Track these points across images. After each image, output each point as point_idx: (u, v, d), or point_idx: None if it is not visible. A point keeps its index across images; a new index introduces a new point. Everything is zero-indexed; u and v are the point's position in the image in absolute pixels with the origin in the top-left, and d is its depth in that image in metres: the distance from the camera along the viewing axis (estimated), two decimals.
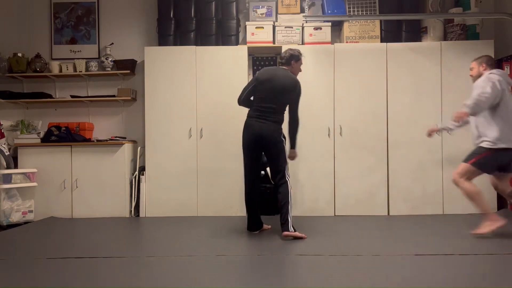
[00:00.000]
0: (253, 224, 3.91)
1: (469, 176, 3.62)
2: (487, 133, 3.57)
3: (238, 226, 4.13)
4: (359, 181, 4.75)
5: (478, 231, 3.62)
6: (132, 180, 4.92)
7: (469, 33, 4.92)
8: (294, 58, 3.88)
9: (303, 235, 3.63)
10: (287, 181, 3.71)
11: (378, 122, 4.77)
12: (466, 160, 3.64)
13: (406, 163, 4.75)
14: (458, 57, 4.75)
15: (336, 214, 4.74)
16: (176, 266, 2.91)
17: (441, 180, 4.73)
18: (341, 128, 4.78)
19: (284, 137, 3.79)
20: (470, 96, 3.56)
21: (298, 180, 4.76)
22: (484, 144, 3.57)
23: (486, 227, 3.60)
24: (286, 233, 3.59)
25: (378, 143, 4.77)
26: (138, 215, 4.87)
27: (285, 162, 3.74)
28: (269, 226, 4.02)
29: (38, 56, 5.10)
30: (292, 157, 3.89)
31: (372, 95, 4.78)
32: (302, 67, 3.94)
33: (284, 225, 3.61)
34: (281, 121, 3.80)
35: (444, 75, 4.77)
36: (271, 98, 3.75)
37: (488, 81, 3.54)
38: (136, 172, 4.95)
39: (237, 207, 4.76)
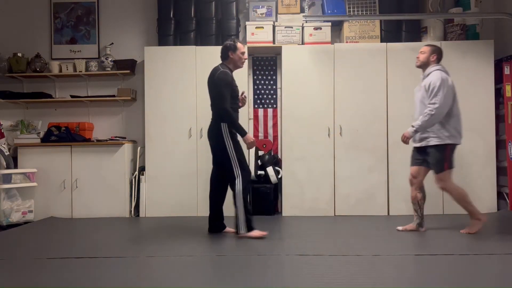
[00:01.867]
0: (212, 225, 3.82)
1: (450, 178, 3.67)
2: (439, 131, 3.60)
3: None
4: (359, 181, 4.74)
5: (468, 230, 3.67)
6: (132, 180, 4.91)
7: (469, 33, 4.92)
8: (231, 49, 3.66)
9: (262, 233, 3.56)
10: (235, 178, 3.54)
11: (378, 122, 4.77)
12: (439, 170, 3.63)
13: (406, 163, 4.69)
14: (458, 57, 4.75)
15: (336, 214, 4.73)
16: (176, 266, 2.90)
17: None
18: (341, 128, 4.78)
19: (231, 132, 3.60)
20: (430, 93, 3.60)
21: (298, 180, 4.76)
22: (436, 141, 3.61)
23: (475, 226, 3.66)
24: (240, 235, 3.55)
25: (378, 143, 4.76)
26: (138, 215, 4.87)
27: (229, 159, 3.56)
28: (233, 230, 3.73)
29: (38, 56, 5.09)
30: (247, 144, 3.60)
31: (372, 95, 4.78)
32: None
33: (237, 226, 3.56)
34: None
35: None
36: (209, 95, 3.73)
37: (443, 85, 3.58)
38: (136, 172, 4.94)
39: None
